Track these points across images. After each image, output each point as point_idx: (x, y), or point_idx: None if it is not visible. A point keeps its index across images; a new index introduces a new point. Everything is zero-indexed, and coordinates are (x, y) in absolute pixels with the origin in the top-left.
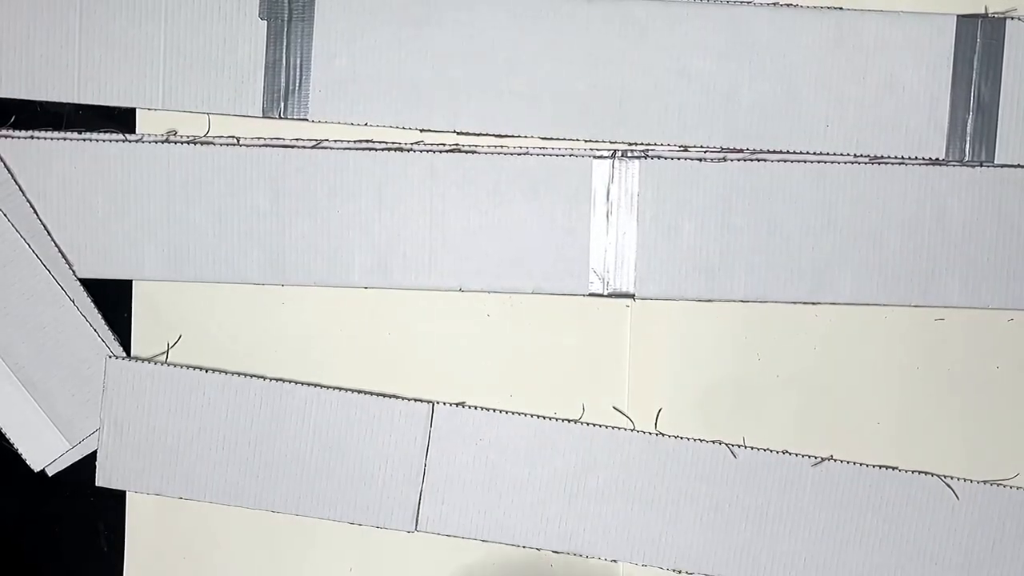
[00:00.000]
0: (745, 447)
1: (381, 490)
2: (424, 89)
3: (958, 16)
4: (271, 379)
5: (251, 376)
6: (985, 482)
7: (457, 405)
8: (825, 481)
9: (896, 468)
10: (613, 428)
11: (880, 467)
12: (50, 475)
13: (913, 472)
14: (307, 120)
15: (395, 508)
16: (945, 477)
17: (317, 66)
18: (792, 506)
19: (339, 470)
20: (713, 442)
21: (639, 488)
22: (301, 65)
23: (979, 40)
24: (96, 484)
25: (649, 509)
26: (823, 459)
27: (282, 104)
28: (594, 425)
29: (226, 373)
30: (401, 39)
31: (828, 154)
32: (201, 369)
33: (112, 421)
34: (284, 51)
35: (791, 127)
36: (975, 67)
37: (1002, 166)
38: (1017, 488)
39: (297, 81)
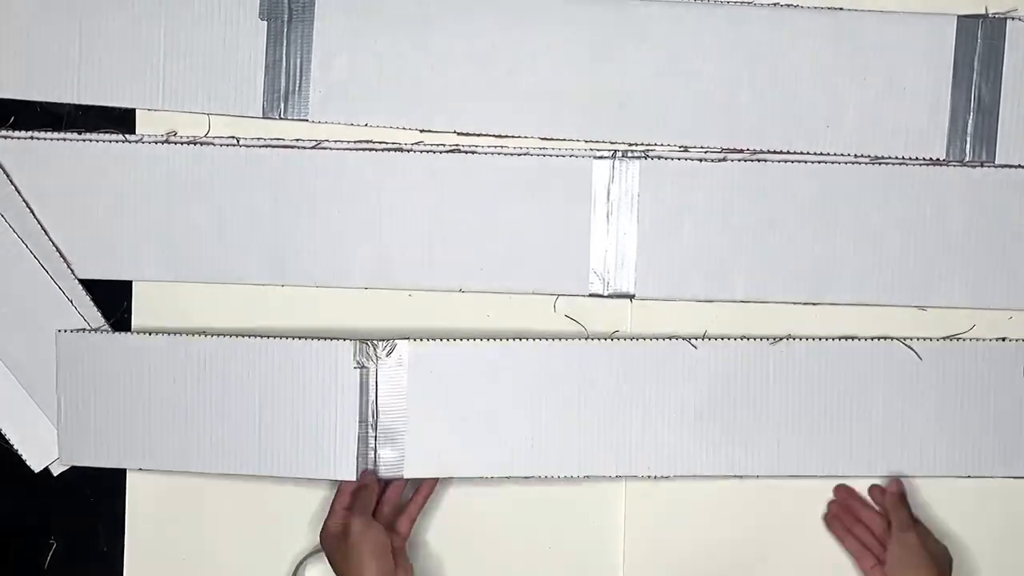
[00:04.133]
0: (705, 338)
1: (326, 440)
2: (424, 89)
3: (959, 16)
4: (215, 335)
5: (196, 335)
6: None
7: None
8: (786, 363)
9: (856, 338)
10: (572, 340)
11: (842, 338)
12: (55, 474)
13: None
14: (307, 121)
15: (341, 457)
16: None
17: (317, 67)
18: (758, 392)
19: (285, 423)
20: (670, 338)
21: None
22: (301, 66)
23: (980, 40)
24: (61, 462)
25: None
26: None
27: (282, 105)
28: (554, 339)
29: (170, 334)
30: (401, 40)
31: (828, 154)
32: (147, 332)
33: (68, 396)
34: (284, 52)
35: (791, 128)
36: (976, 68)
37: (1003, 166)
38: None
39: (297, 82)
